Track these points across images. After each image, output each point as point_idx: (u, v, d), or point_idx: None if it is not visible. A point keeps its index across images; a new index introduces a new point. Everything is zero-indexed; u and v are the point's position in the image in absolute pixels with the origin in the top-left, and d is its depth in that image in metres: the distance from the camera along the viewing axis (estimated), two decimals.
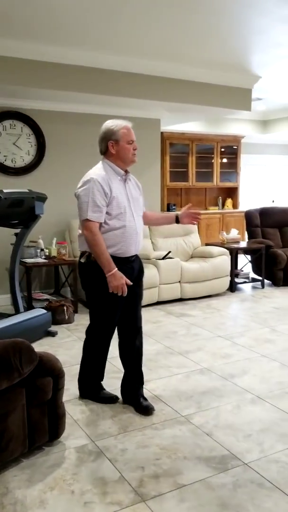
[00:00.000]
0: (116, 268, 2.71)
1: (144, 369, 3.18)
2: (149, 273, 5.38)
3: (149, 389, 3.29)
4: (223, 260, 6.01)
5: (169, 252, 5.67)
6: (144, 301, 5.43)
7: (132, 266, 2.89)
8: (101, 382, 3.19)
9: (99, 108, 5.97)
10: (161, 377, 3.52)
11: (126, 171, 2.87)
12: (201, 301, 5.78)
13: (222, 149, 9.25)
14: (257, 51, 4.99)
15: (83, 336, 3.15)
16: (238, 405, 3.05)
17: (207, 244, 6.76)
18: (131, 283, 2.79)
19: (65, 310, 4.84)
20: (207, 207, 9.33)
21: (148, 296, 5.37)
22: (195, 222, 3.09)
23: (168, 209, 8.37)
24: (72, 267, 5.28)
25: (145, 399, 3.03)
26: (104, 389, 3.18)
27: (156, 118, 6.55)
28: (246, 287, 6.52)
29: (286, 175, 10.86)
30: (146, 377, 3.38)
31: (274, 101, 7.84)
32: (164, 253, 5.66)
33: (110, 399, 3.10)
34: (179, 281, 5.64)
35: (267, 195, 10.59)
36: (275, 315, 5.09)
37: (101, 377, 3.17)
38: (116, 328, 3.03)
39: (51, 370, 2.46)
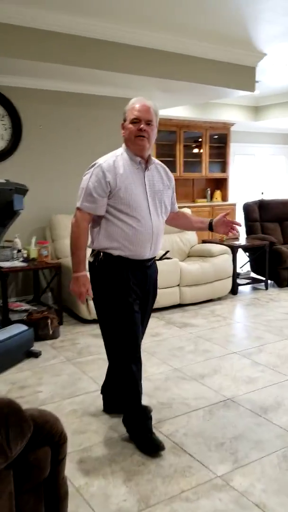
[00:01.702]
0: (85, 273, 2.38)
1: (153, 401, 2.52)
2: None
3: (165, 434, 2.59)
4: (225, 259, 5.35)
5: (167, 251, 4.96)
6: None
7: (146, 273, 2.45)
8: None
9: (82, 87, 5.20)
10: (177, 414, 2.82)
11: (148, 159, 2.40)
12: (202, 306, 5.10)
13: (211, 137, 8.59)
14: (264, 21, 4.30)
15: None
16: (286, 456, 2.39)
17: (203, 241, 6.08)
18: (92, 296, 2.41)
19: (49, 323, 4.07)
20: (194, 200, 8.66)
21: None
22: (231, 234, 2.59)
23: None
24: (56, 271, 4.50)
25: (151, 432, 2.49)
26: (152, 431, 2.48)
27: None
28: (248, 289, 5.89)
29: (276, 166, 10.30)
30: (157, 415, 2.73)
31: (269, 85, 7.19)
32: (162, 252, 4.95)
33: (156, 447, 2.41)
34: (178, 285, 4.94)
35: (257, 186, 10.00)
36: None
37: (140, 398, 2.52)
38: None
39: (49, 437, 1.72)
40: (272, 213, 6.60)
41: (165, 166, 2.54)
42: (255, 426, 2.66)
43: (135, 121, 2.29)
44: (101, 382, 2.88)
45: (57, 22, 4.00)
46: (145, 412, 2.50)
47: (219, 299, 5.38)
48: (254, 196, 9.80)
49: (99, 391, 2.91)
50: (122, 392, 2.47)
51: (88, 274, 2.41)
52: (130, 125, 2.31)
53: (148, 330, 4.31)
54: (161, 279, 4.84)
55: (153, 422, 2.57)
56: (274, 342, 4.01)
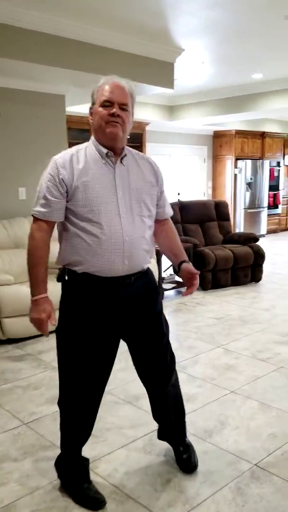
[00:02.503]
0: (45, 296, 1.90)
1: (90, 441, 2.17)
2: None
3: (103, 475, 2.23)
4: (151, 264, 5.07)
5: None
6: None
7: (122, 292, 1.93)
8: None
9: None
10: (114, 448, 2.47)
11: (119, 150, 1.93)
12: None
13: (127, 137, 8.32)
14: (184, 12, 4.09)
15: None
16: (240, 488, 2.13)
17: None
18: (55, 324, 1.95)
19: None
20: None
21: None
22: (188, 291, 2.14)
23: None
24: None
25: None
26: (89, 482, 2.11)
27: (60, 93, 5.35)
28: (173, 293, 5.68)
29: (190, 167, 10.30)
30: (91, 452, 2.40)
31: (184, 83, 7.07)
32: None
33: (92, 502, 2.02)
34: None
35: (173, 187, 9.92)
36: (220, 329, 4.29)
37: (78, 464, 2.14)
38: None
39: None
40: (193, 215, 6.47)
41: (150, 159, 2.08)
42: (202, 454, 2.38)
43: (106, 104, 1.86)
44: (23, 415, 2.44)
45: None
46: (81, 461, 2.15)
47: None
48: (171, 198, 9.71)
49: (21, 428, 2.47)
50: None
51: (48, 296, 1.94)
52: (100, 109, 1.86)
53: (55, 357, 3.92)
54: None
55: (92, 459, 2.21)
56: (208, 351, 3.79)
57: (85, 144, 1.95)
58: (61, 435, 2.13)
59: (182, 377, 3.21)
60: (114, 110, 1.84)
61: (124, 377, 3.28)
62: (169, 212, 2.17)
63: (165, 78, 5.21)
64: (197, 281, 2.12)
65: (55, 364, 2.08)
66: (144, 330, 2.04)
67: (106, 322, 1.94)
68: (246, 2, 3.84)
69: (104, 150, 1.89)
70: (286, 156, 11.42)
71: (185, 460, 2.27)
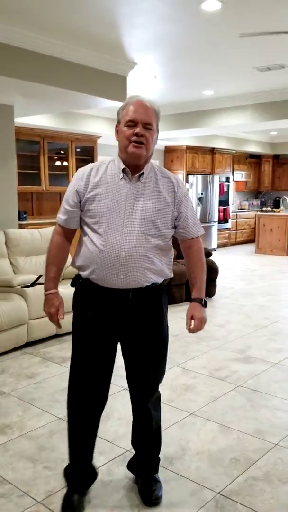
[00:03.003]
0: (53, 291, 2.08)
1: (38, 467, 2.00)
2: (13, 307, 4.06)
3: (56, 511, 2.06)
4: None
5: (40, 276, 4.37)
6: (10, 344, 4.09)
7: (122, 307, 1.98)
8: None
9: None
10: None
11: (141, 167, 1.96)
12: None
13: (77, 149, 8.19)
14: (138, 25, 4.06)
15: None
16: None
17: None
18: (63, 317, 2.06)
19: None
20: None
21: (13, 337, 4.04)
22: (189, 328, 2.07)
23: (19, 218, 6.95)
24: None
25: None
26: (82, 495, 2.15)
27: (9, 104, 5.15)
28: None
29: None
30: (46, 487, 2.20)
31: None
32: (33, 277, 4.36)
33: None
34: None
35: None
36: (177, 347, 4.19)
37: (78, 459, 2.17)
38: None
39: None
40: None
41: (174, 179, 2.04)
42: (164, 484, 2.26)
43: (131, 124, 1.90)
44: None
45: None
46: (88, 470, 2.18)
47: None
48: None
49: None
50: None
51: (59, 292, 2.11)
52: (125, 128, 1.91)
53: (22, 371, 3.73)
54: (33, 309, 4.31)
55: (43, 495, 2.04)
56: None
57: (111, 158, 2.04)
58: (68, 441, 2.16)
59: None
60: (138, 130, 1.89)
61: None
62: (194, 232, 2.08)
63: (118, 91, 5.15)
64: (195, 328, 2.07)
65: None
66: (139, 341, 2.05)
67: (103, 326, 2.01)
68: (199, 17, 3.86)
69: (122, 166, 1.95)
70: (235, 172, 11.67)
71: (150, 493, 2.16)
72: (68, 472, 2.17)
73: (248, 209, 12.50)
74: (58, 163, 8.04)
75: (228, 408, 3.04)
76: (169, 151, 10.52)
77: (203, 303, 2.08)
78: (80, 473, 2.15)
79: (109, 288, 1.94)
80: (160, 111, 1.99)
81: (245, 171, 12.19)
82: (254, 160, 12.59)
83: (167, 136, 8.74)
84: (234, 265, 8.75)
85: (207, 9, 3.67)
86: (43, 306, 2.10)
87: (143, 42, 4.51)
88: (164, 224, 1.98)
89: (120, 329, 2.02)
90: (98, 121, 8.02)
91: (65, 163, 8.06)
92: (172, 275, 2.08)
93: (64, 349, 4.17)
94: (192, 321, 2.05)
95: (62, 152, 8.04)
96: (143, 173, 1.96)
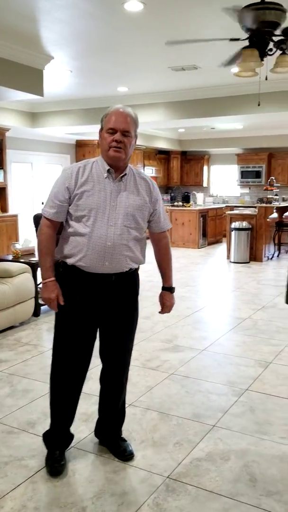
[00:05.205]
0: (52, 279, 2.28)
1: None
2: None
3: None
4: (26, 278, 4.82)
5: None
6: None
7: (104, 290, 2.28)
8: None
9: None
10: (17, 482, 2.27)
11: (122, 168, 2.25)
12: (5, 335, 4.47)
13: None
14: (57, 20, 4.02)
15: None
16: (159, 504, 2.11)
17: None
18: (62, 303, 2.28)
19: None
20: None
21: None
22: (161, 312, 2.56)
23: None
24: None
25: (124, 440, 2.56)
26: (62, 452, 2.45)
27: None
28: (47, 308, 5.47)
29: (52, 175, 10.11)
30: None
31: (48, 91, 6.92)
32: None
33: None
34: None
35: (37, 196, 9.64)
36: None
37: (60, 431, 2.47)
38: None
39: None
40: None
41: (150, 180, 2.36)
42: (113, 475, 2.32)
43: (111, 131, 2.18)
44: None
45: None
46: (67, 434, 2.46)
47: (22, 324, 4.83)
48: (36, 207, 9.44)
49: None
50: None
51: (55, 279, 2.31)
52: (106, 135, 2.19)
53: None
54: None
55: None
56: (99, 365, 3.71)
57: (94, 159, 2.30)
58: (50, 411, 2.44)
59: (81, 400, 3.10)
60: (117, 137, 2.15)
61: (12, 404, 3.06)
62: (164, 227, 2.43)
63: (34, 84, 5.05)
64: (168, 310, 2.52)
65: None
66: (117, 320, 2.34)
67: (87, 309, 2.27)
68: (121, 16, 3.91)
69: (107, 167, 2.21)
70: (146, 168, 11.91)
71: (123, 450, 2.47)
72: (48, 437, 2.46)
73: None
74: None
75: (165, 396, 3.16)
76: (81, 146, 10.46)
77: (172, 290, 2.50)
78: (60, 437, 2.45)
79: (95, 273, 2.22)
80: (138, 119, 2.26)
81: (155, 167, 12.49)
82: (163, 156, 12.95)
83: (79, 130, 8.69)
84: (150, 259, 8.94)
85: (129, 9, 3.73)
86: (42, 291, 2.29)
87: (61, 37, 4.47)
88: (142, 218, 2.30)
89: (102, 310, 2.29)
90: (7, 113, 7.77)
91: None
92: (144, 262, 2.40)
93: None
94: (164, 306, 2.50)
95: None
96: (125, 174, 2.25)
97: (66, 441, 2.48)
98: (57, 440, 2.45)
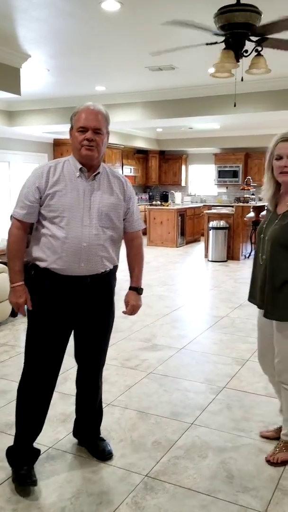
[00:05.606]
0: (21, 283, 2.19)
1: None
2: None
3: None
4: (3, 279, 4.78)
5: None
6: None
7: (80, 293, 2.20)
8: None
9: None
10: None
11: (95, 167, 2.19)
12: None
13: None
14: (35, 19, 4.00)
15: None
16: (137, 502, 2.12)
17: None
18: (31, 308, 2.21)
19: None
20: None
21: None
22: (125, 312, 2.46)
23: None
24: None
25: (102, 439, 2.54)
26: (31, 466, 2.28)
27: None
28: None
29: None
30: None
31: (26, 90, 6.86)
32: None
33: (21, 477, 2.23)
34: None
35: (14, 196, 9.53)
36: None
37: (26, 440, 2.32)
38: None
39: None
40: None
41: (123, 179, 2.31)
42: (92, 475, 2.32)
43: (82, 129, 2.12)
44: None
45: None
46: (32, 450, 2.31)
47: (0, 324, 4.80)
48: (13, 207, 9.33)
49: None
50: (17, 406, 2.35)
51: (24, 283, 2.22)
52: (77, 134, 2.13)
53: None
54: None
55: None
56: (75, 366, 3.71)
57: (65, 158, 2.22)
58: (16, 421, 2.32)
59: (54, 396, 3.11)
60: (88, 135, 2.09)
61: None
62: (137, 226, 2.36)
63: (10, 83, 5.00)
64: (129, 313, 2.43)
65: None
66: (93, 322, 2.29)
67: (61, 313, 2.19)
68: (98, 15, 3.90)
69: (79, 166, 2.15)
70: (124, 167, 11.91)
71: (102, 450, 2.46)
72: (13, 452, 2.31)
73: (138, 203, 12.84)
74: None
75: (143, 395, 3.18)
76: (59, 144, 10.40)
77: (139, 291, 2.42)
78: (26, 452, 2.29)
79: (69, 275, 2.14)
80: (109, 116, 2.20)
81: (134, 166, 12.51)
82: (141, 156, 12.97)
83: (57, 129, 8.64)
84: (122, 258, 8.96)
85: (107, 8, 3.74)
86: (9, 296, 2.21)
87: (39, 36, 4.44)
88: (117, 218, 2.24)
89: (77, 312, 2.23)
90: None
91: None
92: (118, 263, 2.35)
93: None
94: (129, 307, 2.41)
95: None
96: (98, 173, 2.19)
97: (33, 455, 2.32)
98: (24, 455, 2.28)
